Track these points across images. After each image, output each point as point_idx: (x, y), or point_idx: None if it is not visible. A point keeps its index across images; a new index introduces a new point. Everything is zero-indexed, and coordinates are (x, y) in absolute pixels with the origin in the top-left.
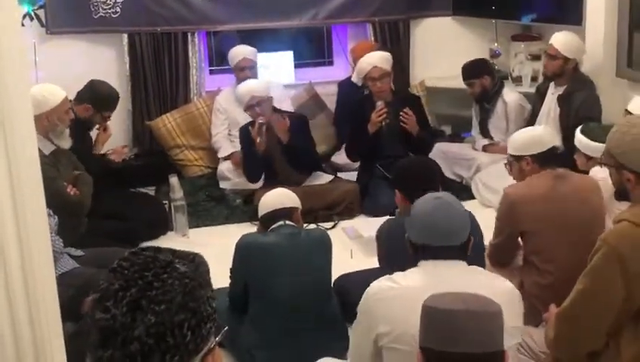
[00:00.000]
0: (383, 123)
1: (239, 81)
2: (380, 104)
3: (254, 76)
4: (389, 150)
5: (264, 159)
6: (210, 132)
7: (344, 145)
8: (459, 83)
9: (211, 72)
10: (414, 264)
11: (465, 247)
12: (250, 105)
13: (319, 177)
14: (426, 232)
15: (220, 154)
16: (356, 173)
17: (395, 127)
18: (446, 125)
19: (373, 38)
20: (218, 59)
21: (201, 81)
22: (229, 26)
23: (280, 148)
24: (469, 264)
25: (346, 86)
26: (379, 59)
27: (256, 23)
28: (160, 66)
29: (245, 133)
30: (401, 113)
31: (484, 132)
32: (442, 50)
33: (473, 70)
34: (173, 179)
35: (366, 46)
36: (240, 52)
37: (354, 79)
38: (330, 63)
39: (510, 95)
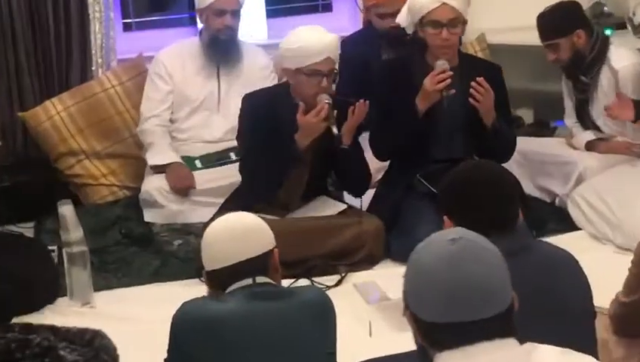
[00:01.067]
0: (444, 93)
1: (209, 33)
2: (441, 63)
3: (236, 30)
4: (442, 148)
5: (301, 157)
6: (130, 123)
7: (369, 139)
8: None
9: (127, 28)
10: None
11: (510, 314)
12: (315, 72)
13: (323, 205)
14: (445, 303)
15: (150, 160)
16: (373, 190)
17: (458, 110)
18: (524, 108)
19: None
20: (139, 5)
21: (109, 44)
22: None
23: (319, 153)
24: (567, 338)
25: (355, 45)
26: None
27: None
28: (39, 20)
29: (259, 110)
30: (472, 84)
31: (585, 120)
32: None
33: (555, 22)
34: (66, 209)
35: None
36: None
37: (401, 21)
38: (327, 8)
39: (622, 57)
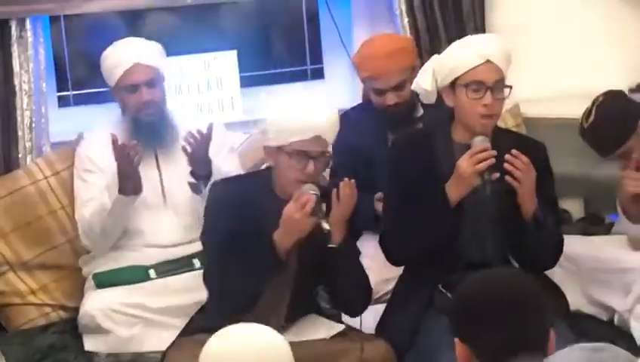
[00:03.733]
0: (486, 177)
1: (130, 111)
2: (480, 140)
3: (160, 101)
4: (473, 249)
5: (280, 263)
6: (67, 223)
7: (379, 238)
8: None
9: (63, 103)
10: None
11: None
12: (300, 152)
13: (315, 326)
14: None
15: (87, 267)
16: (382, 306)
17: (489, 197)
18: (572, 199)
19: (406, 21)
20: (77, 76)
21: (41, 123)
22: (100, 4)
23: (306, 257)
24: None
25: (355, 121)
26: (496, 46)
27: None
28: None
29: (230, 202)
30: (507, 157)
31: None
32: (557, 39)
33: (612, 130)
34: None
35: (387, 47)
36: (128, 52)
37: (424, 84)
38: (318, 75)
39: None
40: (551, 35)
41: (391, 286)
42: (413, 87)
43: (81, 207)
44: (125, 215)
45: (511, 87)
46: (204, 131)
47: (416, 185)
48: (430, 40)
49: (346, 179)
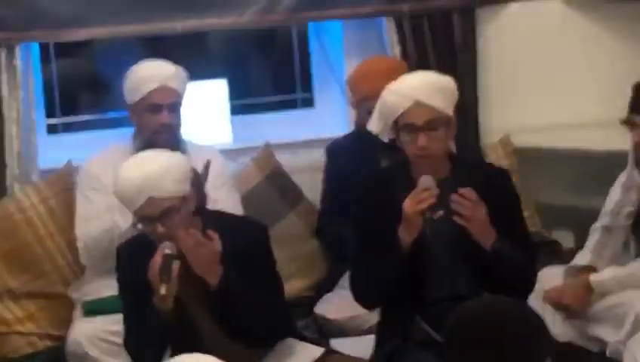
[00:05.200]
0: (427, 216)
1: (144, 135)
2: (424, 180)
3: (177, 127)
4: (443, 284)
5: (173, 324)
6: (54, 252)
7: (348, 278)
8: (592, 140)
9: (52, 130)
10: None
11: None
12: (143, 217)
13: (292, 352)
14: None
15: (76, 294)
16: (371, 336)
17: (456, 234)
18: (562, 230)
19: (397, 50)
20: (66, 103)
21: (30, 151)
22: (89, 32)
23: (205, 297)
24: None
25: (344, 151)
26: (423, 86)
27: (151, 23)
28: None
29: (130, 267)
30: (452, 197)
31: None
32: (547, 69)
33: None
34: None
35: (382, 66)
36: (158, 72)
37: (373, 128)
38: (308, 103)
39: None
40: (542, 65)
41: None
42: (368, 127)
43: (84, 225)
44: None
45: (451, 122)
46: (202, 169)
47: (377, 224)
48: (421, 70)
49: (181, 233)
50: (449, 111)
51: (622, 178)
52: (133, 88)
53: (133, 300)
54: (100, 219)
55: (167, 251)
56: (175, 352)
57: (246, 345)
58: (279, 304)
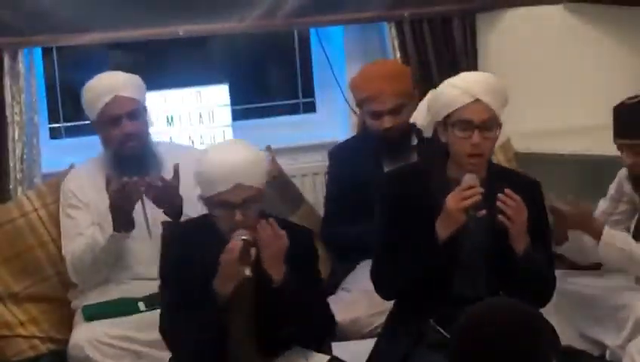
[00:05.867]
0: (471, 214)
1: (112, 144)
2: (469, 178)
3: (142, 134)
4: (464, 284)
5: (226, 311)
6: (56, 256)
7: (349, 281)
8: (593, 145)
9: (54, 135)
10: None
11: None
12: (224, 203)
13: (298, 358)
14: None
15: (76, 300)
16: (374, 340)
17: (482, 234)
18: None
19: (398, 55)
20: (69, 108)
21: (32, 154)
22: (92, 36)
23: (255, 295)
24: None
25: (347, 155)
26: (485, 85)
27: (153, 28)
28: None
29: (178, 243)
30: (499, 196)
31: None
32: (548, 74)
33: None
34: None
35: (384, 69)
36: (108, 85)
37: (418, 119)
38: (310, 108)
39: None
40: (543, 70)
41: (381, 320)
42: (412, 119)
43: (68, 243)
44: (117, 251)
45: (500, 126)
46: (170, 176)
47: (408, 219)
48: (422, 75)
49: (263, 221)
50: (501, 114)
51: (611, 190)
52: (91, 105)
53: (180, 288)
54: (80, 236)
55: (245, 237)
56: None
57: (265, 349)
58: (325, 305)
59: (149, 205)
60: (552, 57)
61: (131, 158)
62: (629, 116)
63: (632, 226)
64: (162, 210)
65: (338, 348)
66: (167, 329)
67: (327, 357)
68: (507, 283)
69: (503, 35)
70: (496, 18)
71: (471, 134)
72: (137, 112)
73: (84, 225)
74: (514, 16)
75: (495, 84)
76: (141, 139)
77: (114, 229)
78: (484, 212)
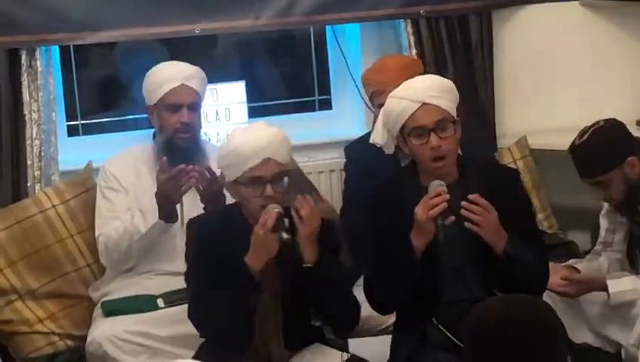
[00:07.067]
0: (439, 223)
1: (164, 135)
2: (436, 184)
3: (197, 127)
4: (456, 287)
5: (259, 286)
6: (75, 252)
7: (362, 282)
8: None
9: (72, 132)
10: None
11: None
12: (255, 179)
13: (320, 355)
14: None
15: (96, 294)
16: (387, 337)
17: (466, 237)
18: (579, 231)
19: (414, 52)
20: (86, 105)
21: (50, 152)
22: (109, 34)
23: (287, 275)
24: None
25: (363, 151)
26: (428, 88)
27: (169, 26)
28: None
29: (203, 234)
30: (462, 204)
31: (635, 261)
32: (564, 71)
33: (599, 155)
34: None
35: (396, 62)
36: (177, 72)
37: (377, 139)
38: (326, 105)
39: None
40: (558, 67)
41: (394, 317)
42: (371, 140)
43: (104, 225)
44: (154, 241)
45: (454, 122)
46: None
47: (389, 232)
48: (438, 72)
49: (300, 196)
50: (454, 112)
51: (603, 224)
52: (154, 88)
53: (209, 273)
54: (119, 220)
55: (278, 210)
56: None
57: (289, 340)
58: (352, 293)
59: (187, 200)
60: (568, 54)
61: (183, 148)
62: (582, 157)
63: (625, 249)
64: (204, 205)
65: (352, 345)
66: (197, 315)
67: (347, 355)
68: (497, 281)
69: (519, 32)
70: (512, 15)
71: (427, 139)
72: (197, 105)
73: (121, 209)
74: (530, 13)
75: (439, 84)
76: (195, 132)
77: (159, 217)
78: (452, 218)
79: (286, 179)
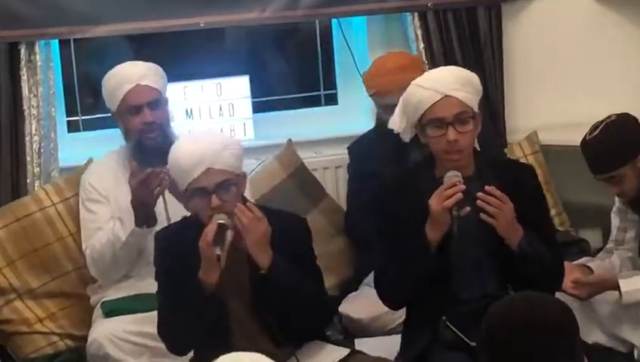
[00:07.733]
0: (454, 214)
1: (133, 134)
2: (451, 175)
3: (163, 124)
4: (470, 284)
5: (214, 303)
6: (75, 251)
7: (373, 276)
8: None
9: (72, 128)
10: None
11: None
12: (199, 189)
13: (317, 352)
14: None
15: (95, 296)
16: (396, 336)
17: (481, 231)
18: (590, 229)
19: (422, 46)
20: (87, 100)
21: (49, 148)
22: (110, 28)
23: (249, 284)
24: None
25: (367, 148)
26: (452, 80)
27: (172, 19)
28: None
29: (165, 247)
30: (479, 195)
31: None
32: (574, 65)
33: (611, 150)
34: None
35: (395, 62)
36: (129, 74)
37: (395, 126)
38: (332, 100)
39: None
40: (569, 62)
41: (404, 316)
42: (389, 126)
43: (89, 238)
44: (138, 246)
45: (474, 117)
46: None
47: (404, 224)
48: (446, 65)
49: (240, 205)
50: (475, 106)
51: (615, 221)
52: (111, 94)
53: (172, 286)
54: (102, 230)
55: (221, 221)
56: (203, 345)
57: (276, 342)
58: (320, 294)
59: (171, 201)
60: (578, 48)
61: (153, 149)
62: (594, 152)
63: (637, 247)
64: (184, 204)
65: (361, 345)
66: (160, 330)
67: (347, 350)
68: (512, 276)
69: (529, 25)
70: (522, 7)
71: (445, 131)
72: (158, 102)
73: (104, 219)
74: (540, 5)
75: (463, 77)
76: (162, 129)
77: (135, 224)
78: (468, 209)
79: (233, 187)
